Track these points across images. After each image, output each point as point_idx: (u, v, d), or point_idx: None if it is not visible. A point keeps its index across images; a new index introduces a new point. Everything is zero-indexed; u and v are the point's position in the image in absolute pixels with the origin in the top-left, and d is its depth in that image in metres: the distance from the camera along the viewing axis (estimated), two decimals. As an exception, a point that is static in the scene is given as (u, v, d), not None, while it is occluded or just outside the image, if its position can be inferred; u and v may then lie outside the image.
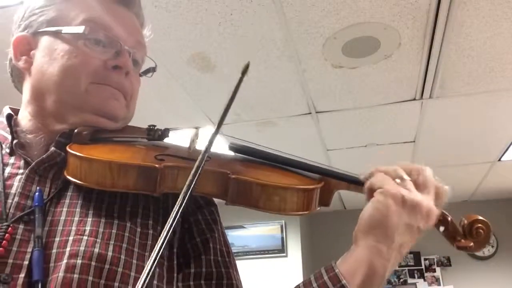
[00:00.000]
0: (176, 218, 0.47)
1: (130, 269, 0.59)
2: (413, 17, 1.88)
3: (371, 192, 0.64)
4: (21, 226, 0.58)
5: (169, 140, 0.75)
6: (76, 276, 0.55)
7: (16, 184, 0.63)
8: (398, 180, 0.63)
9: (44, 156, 0.65)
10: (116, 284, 0.57)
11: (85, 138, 0.67)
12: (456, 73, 2.34)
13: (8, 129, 0.70)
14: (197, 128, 0.72)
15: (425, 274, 4.86)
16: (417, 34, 2.00)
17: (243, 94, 2.46)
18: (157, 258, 0.43)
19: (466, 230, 0.67)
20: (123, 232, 0.61)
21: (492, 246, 4.71)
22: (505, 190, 4.63)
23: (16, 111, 0.73)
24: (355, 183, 0.68)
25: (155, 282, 0.61)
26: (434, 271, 4.86)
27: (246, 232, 4.65)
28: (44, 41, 0.70)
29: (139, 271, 0.59)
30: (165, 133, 0.73)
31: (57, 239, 0.59)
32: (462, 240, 0.67)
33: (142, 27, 0.79)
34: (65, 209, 0.62)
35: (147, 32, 0.80)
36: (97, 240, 0.58)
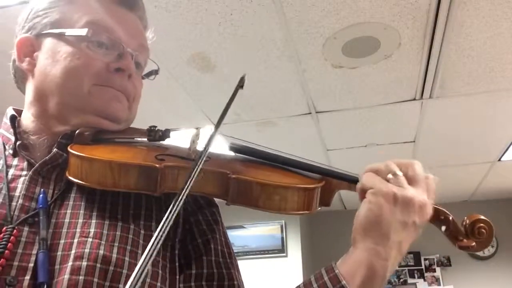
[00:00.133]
0: (172, 218, 0.47)
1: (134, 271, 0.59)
2: (413, 17, 1.88)
3: (363, 193, 0.64)
4: (26, 228, 0.59)
5: (170, 140, 0.75)
6: (81, 278, 0.55)
7: (20, 186, 0.63)
8: (390, 176, 0.63)
9: (47, 157, 0.65)
10: (121, 286, 0.57)
11: (87, 139, 0.67)
12: (456, 73, 2.34)
13: (11, 130, 0.70)
14: (197, 128, 0.72)
15: (425, 274, 4.86)
16: (417, 34, 2.00)
17: (243, 94, 2.46)
18: (151, 255, 0.43)
19: (468, 229, 0.66)
20: (127, 234, 0.62)
21: (492, 246, 4.71)
22: (505, 190, 4.63)
23: (20, 112, 0.74)
24: (355, 183, 0.68)
25: (148, 280, 0.61)
26: (434, 271, 4.86)
27: (246, 232, 4.65)
28: (48, 43, 0.70)
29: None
30: (166, 133, 0.73)
31: (62, 241, 0.59)
32: (464, 240, 0.66)
33: (145, 30, 0.79)
34: (69, 211, 0.62)
35: (150, 35, 0.81)
36: (102, 242, 0.59)
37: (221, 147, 0.71)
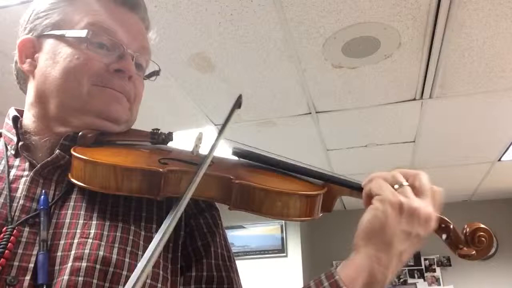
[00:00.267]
0: (175, 221, 0.46)
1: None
2: (413, 17, 1.88)
3: (369, 199, 0.64)
4: (27, 229, 0.59)
5: (172, 143, 0.75)
6: (81, 279, 0.55)
7: (21, 187, 0.63)
8: (396, 186, 0.63)
9: (48, 158, 0.65)
10: (121, 287, 0.57)
11: (90, 141, 0.67)
12: (456, 73, 2.34)
13: (13, 130, 0.70)
14: (200, 132, 0.72)
15: (425, 274, 4.87)
16: (417, 34, 2.00)
17: (243, 94, 2.46)
18: (152, 258, 0.43)
19: (469, 238, 0.67)
20: (127, 235, 0.62)
21: (492, 246, 4.71)
22: (505, 190, 4.63)
23: (22, 113, 0.74)
24: (357, 189, 0.68)
25: (148, 280, 0.61)
26: (434, 271, 4.86)
27: (246, 232, 4.65)
28: (48, 44, 0.70)
29: None
30: (168, 136, 0.73)
31: (62, 242, 0.59)
32: (465, 248, 0.67)
33: (148, 31, 0.79)
34: (69, 212, 0.62)
35: (152, 35, 0.80)
36: (102, 243, 0.59)
37: (223, 150, 0.71)
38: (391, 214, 0.61)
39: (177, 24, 1.89)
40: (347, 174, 0.72)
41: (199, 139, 0.71)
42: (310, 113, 2.78)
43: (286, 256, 4.52)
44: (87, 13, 0.70)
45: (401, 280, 4.88)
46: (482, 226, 0.67)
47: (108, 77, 0.69)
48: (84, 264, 0.56)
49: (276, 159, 0.73)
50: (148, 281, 0.60)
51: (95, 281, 0.56)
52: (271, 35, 1.99)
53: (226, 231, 0.76)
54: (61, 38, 0.69)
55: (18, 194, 0.62)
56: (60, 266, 0.57)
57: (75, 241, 0.58)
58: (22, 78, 0.74)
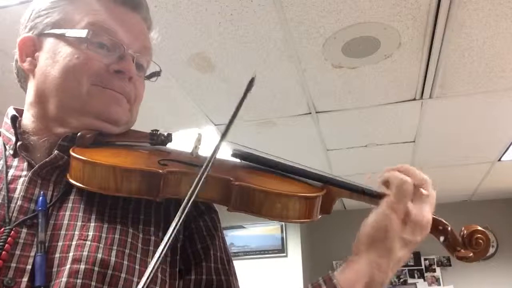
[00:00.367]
0: (177, 227, 0.46)
1: (132, 274, 0.59)
2: (413, 17, 1.88)
3: (386, 184, 0.65)
4: (24, 230, 0.58)
5: (172, 144, 0.74)
6: (79, 281, 0.55)
7: (19, 187, 0.63)
8: (421, 190, 0.64)
9: (47, 159, 0.65)
10: None
11: (88, 141, 0.66)
12: (456, 73, 2.34)
13: (12, 130, 0.70)
14: (199, 133, 0.72)
15: (425, 274, 4.87)
16: (417, 34, 2.00)
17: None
18: (158, 264, 0.43)
19: (466, 240, 0.68)
20: (126, 237, 0.61)
21: (492, 246, 4.71)
22: (505, 190, 4.63)
23: (21, 112, 0.73)
24: (357, 191, 0.69)
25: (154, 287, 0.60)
26: (434, 271, 4.86)
27: (246, 232, 4.65)
28: (49, 43, 0.70)
29: (142, 277, 0.59)
30: (168, 138, 0.73)
31: (60, 243, 0.58)
32: (462, 250, 0.68)
33: (150, 31, 0.78)
34: (68, 213, 0.62)
35: (154, 35, 0.80)
36: (100, 245, 0.58)
37: (223, 151, 0.71)
38: (396, 223, 0.61)
39: (177, 24, 1.89)
40: (347, 174, 0.72)
41: (198, 140, 0.71)
42: (310, 113, 2.78)
43: (286, 256, 4.52)
44: (87, 13, 0.69)
45: (401, 280, 4.88)
46: (479, 228, 0.68)
47: (108, 77, 0.68)
48: (82, 266, 0.56)
49: (275, 160, 0.73)
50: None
51: (93, 283, 0.55)
52: (271, 35, 1.99)
53: (226, 231, 0.76)
54: (61, 37, 0.69)
55: (16, 195, 0.62)
56: (58, 268, 0.56)
57: (73, 243, 0.58)
58: (23, 77, 0.74)
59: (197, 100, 2.57)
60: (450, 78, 2.39)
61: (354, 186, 0.69)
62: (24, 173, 0.65)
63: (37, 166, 0.64)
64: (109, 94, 0.69)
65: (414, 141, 3.29)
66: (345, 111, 2.76)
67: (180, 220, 0.46)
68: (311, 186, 0.70)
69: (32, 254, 0.57)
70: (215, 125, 2.88)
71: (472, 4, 1.80)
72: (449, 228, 0.68)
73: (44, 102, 0.68)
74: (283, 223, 4.54)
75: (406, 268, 4.90)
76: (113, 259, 0.58)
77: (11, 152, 0.68)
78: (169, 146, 0.75)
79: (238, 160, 0.74)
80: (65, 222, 0.61)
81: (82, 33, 0.67)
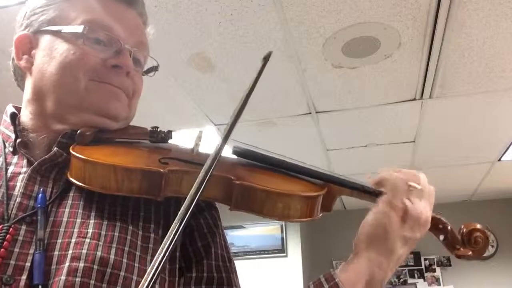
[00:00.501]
0: (181, 228, 0.46)
1: (132, 272, 0.58)
2: (413, 17, 1.88)
3: (379, 185, 0.66)
4: (23, 227, 0.58)
5: (171, 141, 0.74)
6: (78, 279, 0.54)
7: (19, 184, 0.62)
8: (416, 185, 0.64)
9: (46, 156, 0.65)
10: (118, 287, 0.56)
11: (88, 138, 0.66)
12: (456, 73, 2.34)
13: (11, 127, 0.70)
14: (200, 131, 0.72)
15: (425, 274, 4.86)
16: (417, 34, 2.00)
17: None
18: (162, 263, 0.43)
19: (465, 238, 0.69)
20: (125, 235, 0.61)
21: (492, 246, 4.71)
22: (505, 190, 4.62)
23: (19, 110, 0.73)
24: (357, 189, 0.68)
25: (157, 286, 0.60)
26: (434, 271, 4.86)
27: (246, 232, 4.65)
28: (45, 40, 0.69)
29: (141, 275, 0.59)
30: (168, 135, 0.73)
31: (59, 240, 0.58)
32: (461, 249, 0.69)
33: (145, 26, 0.78)
34: (67, 210, 0.61)
35: (150, 31, 0.79)
36: (99, 243, 0.58)
37: (223, 149, 0.70)
38: (395, 220, 0.61)
39: (177, 24, 1.89)
40: (347, 174, 0.72)
41: (199, 137, 0.71)
42: (310, 113, 2.78)
43: (286, 256, 4.52)
44: (83, 10, 0.69)
45: (401, 280, 4.88)
46: (478, 226, 0.69)
47: (105, 72, 0.68)
48: (81, 264, 0.55)
49: (276, 158, 0.73)
50: None
51: (92, 281, 0.55)
52: (271, 35, 1.98)
53: (226, 231, 0.75)
54: (57, 34, 0.68)
55: (15, 192, 0.61)
56: (57, 265, 0.56)
57: (73, 240, 0.58)
58: (20, 75, 0.74)
59: (197, 100, 2.57)
60: (450, 78, 2.38)
61: (355, 184, 0.69)
62: (24, 170, 0.65)
63: (36, 163, 0.64)
64: (107, 89, 0.68)
65: (414, 141, 3.29)
66: (345, 111, 2.76)
67: (181, 228, 0.45)
68: (312, 184, 0.70)
69: (31, 251, 0.56)
70: (215, 125, 2.88)
71: (472, 4, 1.80)
72: (449, 227, 0.69)
73: (42, 99, 0.68)
74: (283, 223, 4.54)
75: (406, 268, 4.90)
76: (112, 257, 0.58)
77: (11, 149, 0.68)
78: (169, 142, 0.74)
79: (238, 158, 0.73)
80: (65, 219, 0.60)
81: (78, 29, 0.67)
